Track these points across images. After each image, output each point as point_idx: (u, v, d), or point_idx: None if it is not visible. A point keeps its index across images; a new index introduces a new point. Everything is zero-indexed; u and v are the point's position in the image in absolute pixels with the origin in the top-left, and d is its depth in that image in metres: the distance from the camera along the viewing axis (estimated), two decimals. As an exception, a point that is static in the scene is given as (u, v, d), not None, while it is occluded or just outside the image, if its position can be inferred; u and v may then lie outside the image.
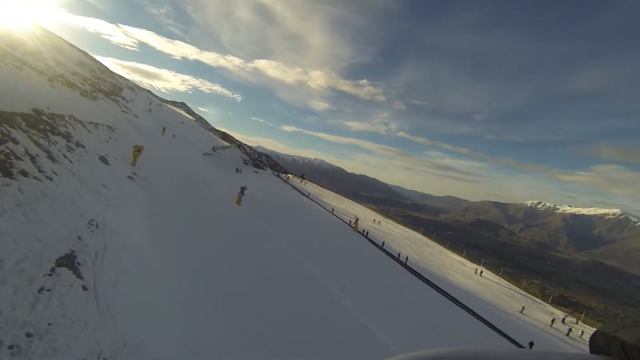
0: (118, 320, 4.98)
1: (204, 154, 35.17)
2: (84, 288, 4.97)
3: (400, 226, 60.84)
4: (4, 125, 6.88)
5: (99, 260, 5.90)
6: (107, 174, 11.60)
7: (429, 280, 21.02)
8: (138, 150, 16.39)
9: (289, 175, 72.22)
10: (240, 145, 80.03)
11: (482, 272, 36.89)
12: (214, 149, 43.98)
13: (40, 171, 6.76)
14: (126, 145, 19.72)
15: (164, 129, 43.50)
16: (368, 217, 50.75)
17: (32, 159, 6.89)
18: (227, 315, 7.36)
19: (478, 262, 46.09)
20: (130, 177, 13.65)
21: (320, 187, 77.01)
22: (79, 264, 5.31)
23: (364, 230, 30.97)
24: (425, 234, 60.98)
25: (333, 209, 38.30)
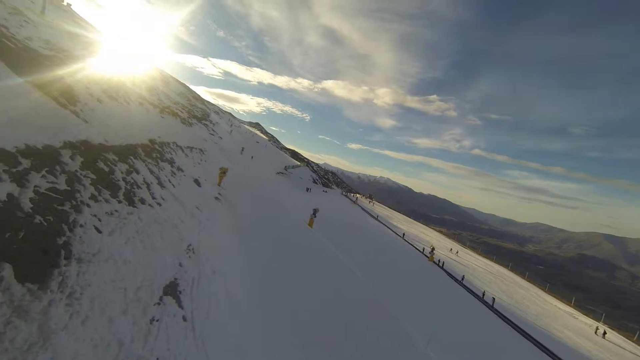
0: (211, 355, 5.00)
1: (277, 172, 37.21)
2: (184, 319, 5.15)
3: (481, 258, 54.06)
4: (130, 157, 8.00)
5: (195, 288, 6.18)
6: (200, 195, 12.77)
7: (532, 338, 17.43)
8: (223, 172, 17.96)
9: (358, 195, 71.35)
10: (308, 163, 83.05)
11: (605, 332, 26.95)
12: (285, 168, 46.33)
13: (153, 198, 7.59)
14: (213, 166, 21.92)
15: (242, 149, 47.83)
16: (443, 245, 46.44)
17: (148, 186, 7.81)
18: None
19: (588, 312, 37.34)
20: (216, 198, 14.87)
21: (389, 209, 74.29)
22: (180, 292, 5.59)
23: (439, 260, 28.14)
24: (513, 269, 52.82)
25: (404, 234, 36.08)
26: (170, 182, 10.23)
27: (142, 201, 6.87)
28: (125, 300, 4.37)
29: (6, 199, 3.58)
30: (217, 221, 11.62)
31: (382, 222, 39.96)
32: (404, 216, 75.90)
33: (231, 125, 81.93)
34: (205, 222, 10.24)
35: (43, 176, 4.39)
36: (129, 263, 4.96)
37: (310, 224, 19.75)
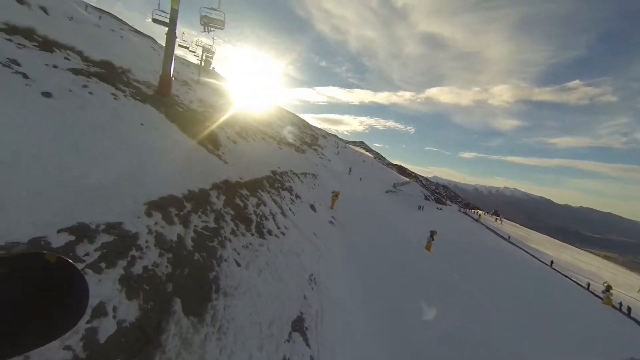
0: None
1: (386, 191, 36.34)
2: (312, 359, 5.04)
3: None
4: (258, 190, 9.00)
5: (320, 322, 6.10)
6: (316, 220, 13.36)
7: None
8: (335, 195, 18.53)
9: (479, 212, 61.10)
10: (417, 178, 78.35)
11: None
12: (394, 186, 44.83)
13: (278, 228, 8.21)
14: (325, 189, 23.02)
15: (350, 170, 49.23)
16: (621, 281, 34.19)
17: (273, 217, 8.53)
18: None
19: None
20: (330, 222, 15.28)
21: (522, 227, 61.10)
22: (306, 328, 5.58)
23: (620, 304, 20.36)
24: None
25: (552, 262, 28.47)
26: (290, 210, 11.05)
27: (270, 232, 7.48)
28: (260, 336, 4.57)
29: (176, 239, 4.31)
30: (332, 247, 11.77)
31: (514, 244, 32.88)
32: (546, 236, 60.51)
33: (337, 147, 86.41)
34: (322, 248, 10.47)
35: (199, 216, 5.21)
36: (262, 296, 5.27)
37: (429, 248, 17.91)
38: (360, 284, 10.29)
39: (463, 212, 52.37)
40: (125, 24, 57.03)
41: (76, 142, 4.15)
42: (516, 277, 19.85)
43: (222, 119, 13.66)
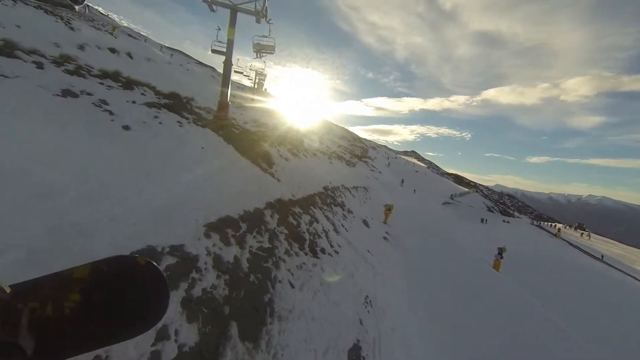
0: None
1: (443, 203, 33.90)
2: (371, 395, 4.62)
3: None
4: (311, 207, 8.97)
5: (378, 352, 5.64)
6: (369, 236, 12.86)
7: None
8: (389, 209, 17.77)
9: (558, 225, 52.19)
10: (477, 187, 72.09)
11: None
12: (452, 197, 41.68)
13: (331, 246, 8.01)
14: (377, 202, 22.30)
15: (402, 181, 47.31)
16: None
17: (326, 234, 8.37)
18: None
19: None
20: (384, 238, 14.59)
21: (619, 244, 50.97)
22: (363, 358, 5.19)
23: None
24: None
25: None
26: (343, 226, 10.81)
27: (323, 251, 7.32)
28: (315, 365, 4.34)
29: (233, 260, 4.39)
30: (388, 265, 11.14)
31: (613, 267, 27.48)
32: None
33: (388, 158, 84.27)
34: (378, 266, 9.95)
35: (254, 236, 5.29)
36: (316, 320, 5.07)
37: (497, 267, 15.90)
38: (420, 308, 9.45)
39: (536, 226, 45.96)
40: (192, 58, 64.42)
41: (148, 168, 4.56)
42: (616, 307, 16.38)
43: (275, 137, 14.22)
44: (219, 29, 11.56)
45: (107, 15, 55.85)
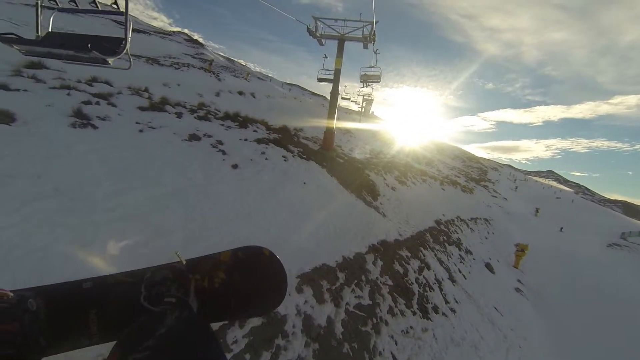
0: None
1: (609, 245, 24.97)
2: None
3: None
4: (420, 248, 7.65)
5: None
6: (496, 287, 10.21)
7: None
8: (522, 249, 14.05)
9: None
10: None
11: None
12: (623, 236, 30.62)
13: (446, 302, 6.47)
14: (503, 238, 18.18)
15: (537, 210, 38.09)
16: None
17: (440, 285, 6.87)
18: None
19: None
20: (517, 290, 11.39)
21: None
22: None
23: None
24: None
25: None
26: (460, 272, 8.87)
27: (436, 309, 5.91)
28: None
29: (325, 324, 3.76)
30: (525, 331, 8.40)
31: None
32: None
33: (515, 180, 70.46)
34: (510, 334, 7.55)
35: (352, 290, 4.56)
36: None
37: None
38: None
39: None
40: (306, 90, 71.93)
41: (249, 207, 4.55)
42: None
43: (381, 163, 13.46)
44: (326, 57, 11.92)
45: (245, 65, 69.24)
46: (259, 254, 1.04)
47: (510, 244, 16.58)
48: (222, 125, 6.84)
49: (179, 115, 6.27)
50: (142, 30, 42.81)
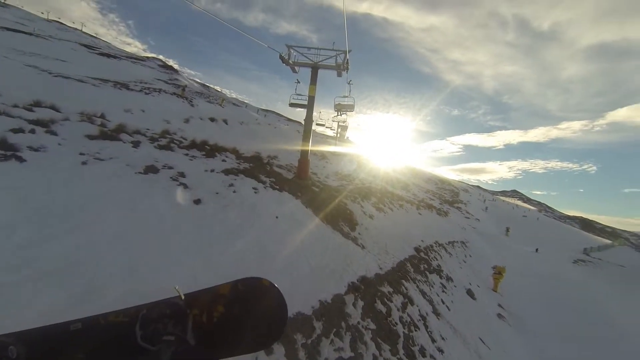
0: None
1: (574, 261, 25.96)
2: None
3: None
4: (402, 281, 7.23)
5: None
6: (479, 315, 9.92)
7: None
8: (499, 272, 14.06)
9: None
10: (621, 236, 55.22)
11: None
12: (586, 252, 32.17)
13: (433, 341, 5.99)
14: (480, 261, 18.28)
15: (507, 230, 39.46)
16: None
17: (424, 321, 6.42)
18: None
19: None
20: (499, 315, 11.17)
21: None
22: None
23: None
24: None
25: None
26: (444, 303, 8.49)
27: (423, 352, 5.41)
28: None
29: (301, 391, 3.15)
30: (514, 364, 8.04)
31: None
32: None
33: (484, 201, 73.54)
34: (501, 370, 7.15)
35: (331, 342, 3.99)
36: None
37: None
38: None
39: None
40: (282, 116, 72.61)
41: (210, 250, 3.94)
42: None
43: (357, 190, 13.24)
44: (298, 82, 11.55)
45: (221, 91, 69.16)
46: (259, 285, 1.03)
47: (487, 267, 16.64)
48: (187, 155, 6.28)
49: (136, 144, 5.66)
50: (113, 55, 41.74)
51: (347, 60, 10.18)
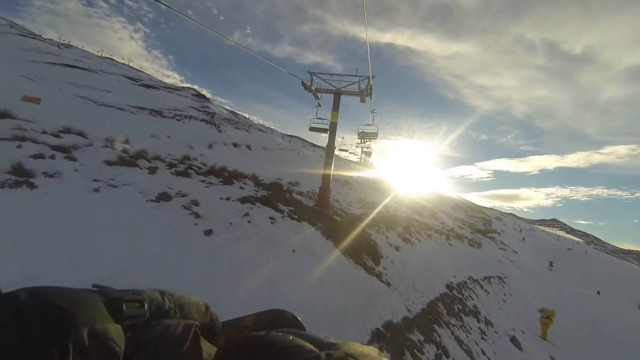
0: None
1: (639, 305, 22.59)
2: None
3: None
4: (434, 326, 6.33)
5: None
6: (527, 370, 8.51)
7: None
8: (548, 317, 12.32)
9: None
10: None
11: None
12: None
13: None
14: (523, 301, 16.35)
15: (551, 264, 35.79)
16: None
17: (463, 380, 5.43)
18: None
19: None
20: (552, 370, 9.56)
21: None
22: None
23: None
24: None
25: None
26: (484, 354, 7.34)
27: (464, 422, 4.48)
28: None
29: None
30: None
31: None
32: None
33: (521, 230, 68.25)
34: None
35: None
36: None
37: None
38: None
39: None
40: (307, 141, 73.95)
41: (216, 290, 3.54)
42: None
43: (382, 219, 12.52)
44: (319, 106, 11.12)
45: (248, 118, 72.36)
46: (282, 317, 0.98)
47: (531, 307, 14.80)
48: (204, 181, 6.13)
49: (153, 170, 5.60)
50: (153, 85, 45.27)
51: (371, 85, 9.98)
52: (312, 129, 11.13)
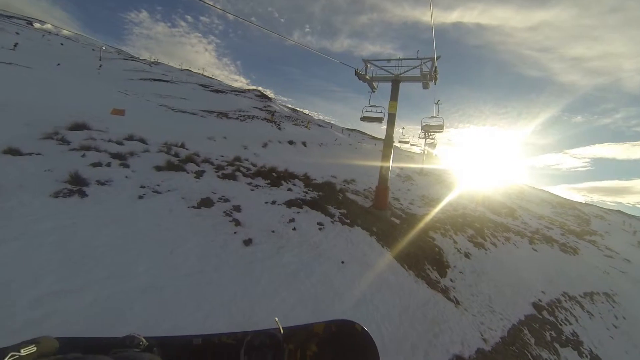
0: None
1: None
2: None
3: None
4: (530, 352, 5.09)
5: None
6: None
7: None
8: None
9: None
10: None
11: None
12: None
13: None
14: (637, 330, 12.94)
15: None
16: None
17: None
18: None
19: None
20: None
21: None
22: None
23: None
24: None
25: None
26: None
27: None
28: None
29: None
30: None
31: None
32: None
33: (634, 233, 55.33)
34: None
35: None
36: None
37: None
38: None
39: None
40: (366, 134, 72.14)
41: (251, 305, 3.19)
42: None
43: (448, 219, 11.08)
44: (372, 91, 9.77)
45: (308, 114, 73.91)
46: (351, 328, 1.06)
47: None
48: (250, 184, 5.95)
49: (199, 174, 5.62)
50: (222, 90, 49.29)
51: (436, 67, 8.66)
52: (364, 118, 9.83)
